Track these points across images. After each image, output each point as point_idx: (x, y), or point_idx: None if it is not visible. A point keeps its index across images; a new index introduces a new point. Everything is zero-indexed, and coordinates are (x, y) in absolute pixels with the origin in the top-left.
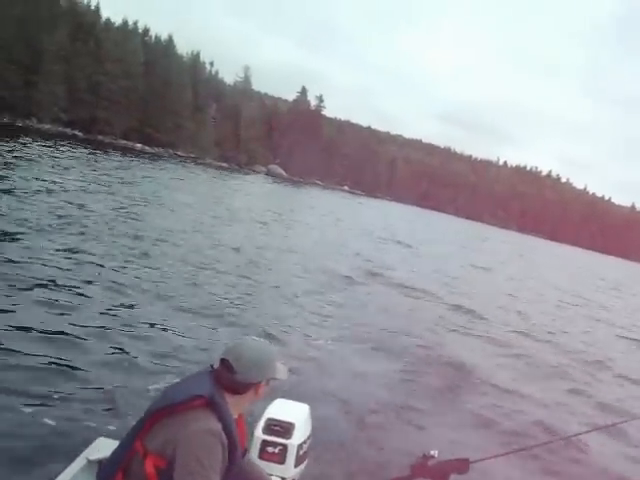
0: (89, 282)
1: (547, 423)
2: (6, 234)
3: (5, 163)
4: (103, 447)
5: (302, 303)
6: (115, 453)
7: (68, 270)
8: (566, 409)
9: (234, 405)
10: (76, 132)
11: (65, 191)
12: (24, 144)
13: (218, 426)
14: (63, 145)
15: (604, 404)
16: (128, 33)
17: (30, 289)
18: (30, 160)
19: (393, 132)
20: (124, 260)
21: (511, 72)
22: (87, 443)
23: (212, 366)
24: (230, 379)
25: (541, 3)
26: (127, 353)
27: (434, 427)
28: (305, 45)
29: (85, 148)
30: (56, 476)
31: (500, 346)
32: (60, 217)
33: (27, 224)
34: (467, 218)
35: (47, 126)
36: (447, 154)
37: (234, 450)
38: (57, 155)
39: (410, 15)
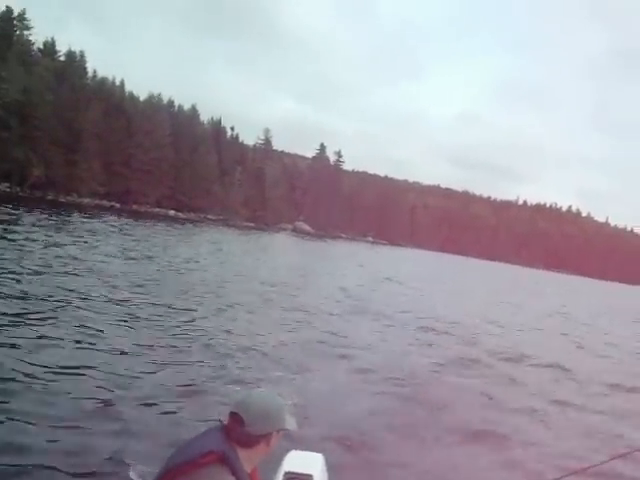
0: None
1: None
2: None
3: (51, 235)
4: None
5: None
6: None
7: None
8: None
9: (247, 459)
10: (113, 203)
11: (111, 257)
12: (68, 219)
13: None
14: (102, 217)
15: None
16: (155, 106)
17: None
18: (73, 233)
19: (411, 180)
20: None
21: (520, 110)
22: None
23: (221, 421)
24: (240, 432)
25: (542, 37)
26: None
27: (443, 464)
28: (310, 100)
29: (122, 218)
30: None
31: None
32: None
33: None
34: (490, 259)
35: (86, 200)
36: (465, 197)
37: None
38: (97, 227)
39: (414, 65)
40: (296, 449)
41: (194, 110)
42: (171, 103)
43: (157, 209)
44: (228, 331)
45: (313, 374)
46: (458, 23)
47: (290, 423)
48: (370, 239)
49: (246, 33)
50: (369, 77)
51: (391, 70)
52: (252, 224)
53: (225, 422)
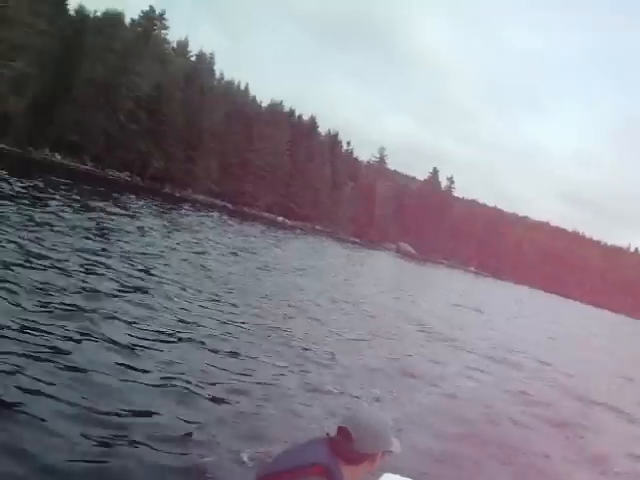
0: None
1: None
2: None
3: (170, 226)
4: None
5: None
6: None
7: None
8: None
9: (349, 476)
10: (225, 203)
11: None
12: (183, 212)
13: None
14: (213, 214)
15: None
16: (276, 113)
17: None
18: (187, 226)
19: (520, 213)
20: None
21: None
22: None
23: (328, 434)
24: (347, 448)
25: None
26: None
27: None
28: (427, 121)
29: (233, 218)
30: None
31: None
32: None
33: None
34: (593, 304)
35: (200, 197)
36: (575, 237)
37: None
38: (210, 223)
39: (533, 97)
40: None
41: (313, 121)
42: (292, 112)
43: (266, 213)
44: (325, 341)
45: (406, 395)
46: (583, 59)
47: (395, 445)
48: (472, 269)
49: (372, 48)
50: (488, 104)
51: (511, 100)
52: (357, 239)
53: (332, 435)
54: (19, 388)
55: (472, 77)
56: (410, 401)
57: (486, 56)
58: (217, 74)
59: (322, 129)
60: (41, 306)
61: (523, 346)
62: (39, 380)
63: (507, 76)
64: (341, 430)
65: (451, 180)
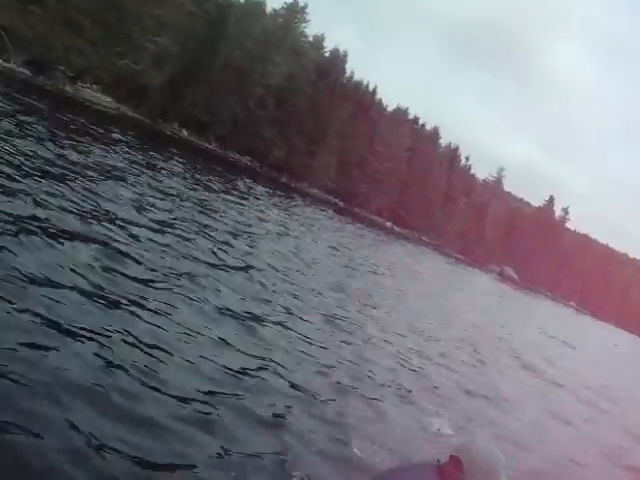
0: None
1: None
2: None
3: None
4: None
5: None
6: None
7: None
8: None
9: None
10: (337, 201)
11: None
12: (295, 203)
13: None
14: (325, 210)
15: None
16: (400, 119)
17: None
18: (300, 216)
19: (631, 254)
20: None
21: None
22: None
23: (438, 461)
24: (457, 478)
25: None
26: None
27: None
28: (549, 148)
29: (343, 216)
30: None
31: None
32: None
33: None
34: None
35: (315, 191)
36: None
37: None
38: (320, 218)
39: None
40: None
41: (436, 132)
42: (416, 119)
43: (376, 217)
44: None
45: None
46: None
47: None
48: (573, 304)
49: (503, 67)
50: (617, 139)
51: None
52: (462, 257)
53: (442, 462)
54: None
55: (605, 108)
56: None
57: (624, 88)
58: (348, 72)
59: (443, 141)
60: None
61: None
62: None
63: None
64: (453, 459)
65: (566, 211)
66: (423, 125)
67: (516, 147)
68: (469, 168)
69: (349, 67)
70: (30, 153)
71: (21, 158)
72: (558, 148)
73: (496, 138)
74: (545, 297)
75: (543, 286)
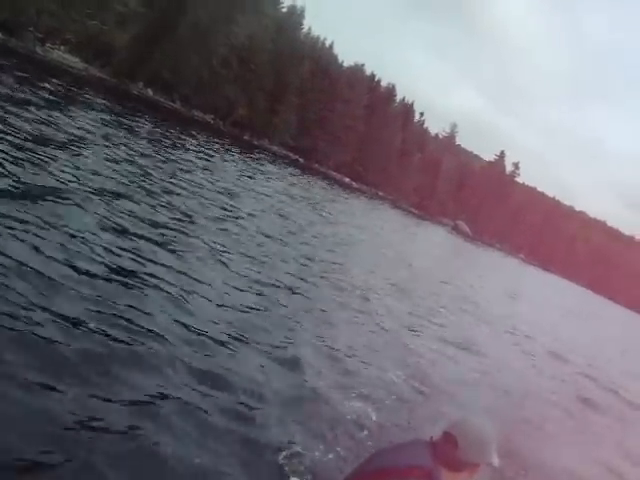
0: None
1: None
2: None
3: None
4: None
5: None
6: None
7: None
8: None
9: None
10: (297, 157)
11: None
12: (258, 159)
13: None
14: (286, 166)
15: None
16: (357, 76)
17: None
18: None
19: (577, 208)
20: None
21: None
22: None
23: (432, 437)
24: (451, 454)
25: None
26: None
27: None
28: (495, 100)
29: (303, 172)
30: None
31: None
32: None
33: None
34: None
35: (275, 148)
36: (630, 242)
37: None
38: (280, 172)
39: (603, 86)
40: None
41: (391, 89)
42: (372, 76)
43: (334, 173)
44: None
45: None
46: None
47: (495, 459)
48: (522, 256)
49: (454, 18)
50: (559, 91)
51: (582, 88)
52: (417, 211)
53: (435, 439)
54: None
55: (547, 61)
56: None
57: (564, 42)
58: (305, 28)
59: (398, 97)
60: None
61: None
62: None
63: (583, 65)
64: (447, 436)
65: (517, 166)
66: (379, 81)
67: (466, 100)
68: (422, 123)
69: (306, 23)
70: None
71: None
72: (507, 101)
73: (446, 91)
74: (496, 250)
75: (494, 239)
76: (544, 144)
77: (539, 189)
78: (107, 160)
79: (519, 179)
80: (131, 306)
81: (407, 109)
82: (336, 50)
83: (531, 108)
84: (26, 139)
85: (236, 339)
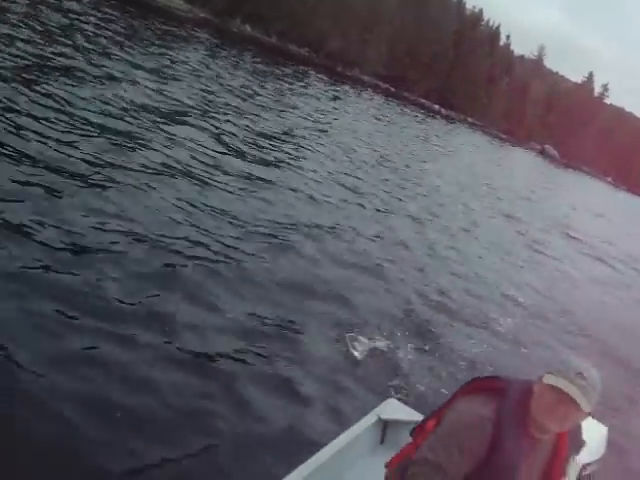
0: None
1: None
2: None
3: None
4: (392, 407)
5: None
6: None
7: None
8: None
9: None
10: (388, 86)
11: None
12: (346, 90)
13: (490, 415)
14: (377, 94)
15: None
16: (445, 3)
17: None
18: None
19: None
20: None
21: None
22: (378, 402)
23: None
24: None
25: None
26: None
27: None
28: (579, 14)
29: (394, 99)
30: (347, 429)
31: None
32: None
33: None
34: None
35: (366, 78)
36: None
37: (498, 451)
38: (371, 103)
39: None
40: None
41: (478, 13)
42: (461, 3)
43: (423, 100)
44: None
45: None
46: None
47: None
48: (610, 180)
49: None
50: None
51: None
52: (506, 136)
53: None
54: None
55: None
56: None
57: None
58: None
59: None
60: None
61: None
62: None
63: None
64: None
65: (605, 88)
66: (464, 5)
67: (550, 17)
68: (509, 47)
69: None
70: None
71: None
72: (593, 17)
73: (528, 8)
74: (583, 173)
75: (583, 163)
76: (633, 63)
77: (627, 109)
78: (221, 85)
79: (607, 101)
80: None
81: (493, 32)
82: None
83: (621, 24)
84: (160, 74)
85: None
